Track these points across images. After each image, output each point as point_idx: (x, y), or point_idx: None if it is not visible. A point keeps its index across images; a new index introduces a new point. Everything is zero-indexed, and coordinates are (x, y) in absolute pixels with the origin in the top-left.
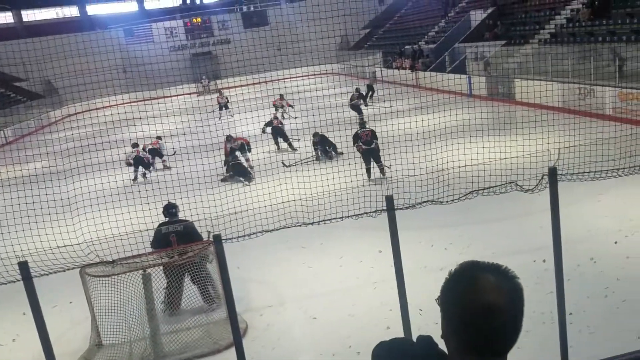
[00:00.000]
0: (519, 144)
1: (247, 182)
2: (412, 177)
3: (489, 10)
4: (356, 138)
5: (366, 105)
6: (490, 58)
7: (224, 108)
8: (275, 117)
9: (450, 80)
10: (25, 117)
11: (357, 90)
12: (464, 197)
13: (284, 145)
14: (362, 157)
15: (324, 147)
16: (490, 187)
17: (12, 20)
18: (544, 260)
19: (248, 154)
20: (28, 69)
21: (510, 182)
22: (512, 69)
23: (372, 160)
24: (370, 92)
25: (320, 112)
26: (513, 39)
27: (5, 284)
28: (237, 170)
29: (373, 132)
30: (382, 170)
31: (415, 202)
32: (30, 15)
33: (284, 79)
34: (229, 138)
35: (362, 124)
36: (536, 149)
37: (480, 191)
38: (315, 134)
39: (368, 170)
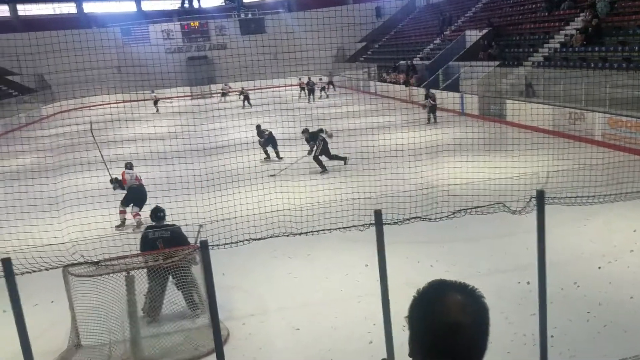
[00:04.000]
0: (509, 165)
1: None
2: (401, 192)
3: (484, 31)
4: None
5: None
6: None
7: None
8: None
9: (443, 97)
10: (16, 111)
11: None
12: (452, 216)
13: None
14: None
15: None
16: (478, 207)
17: (7, 14)
18: (528, 282)
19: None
20: (21, 63)
21: (498, 203)
22: (504, 89)
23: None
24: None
25: (314, 122)
26: (507, 60)
27: None
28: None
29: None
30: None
31: (403, 217)
32: (26, 10)
33: (278, 87)
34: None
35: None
36: (525, 170)
37: (469, 210)
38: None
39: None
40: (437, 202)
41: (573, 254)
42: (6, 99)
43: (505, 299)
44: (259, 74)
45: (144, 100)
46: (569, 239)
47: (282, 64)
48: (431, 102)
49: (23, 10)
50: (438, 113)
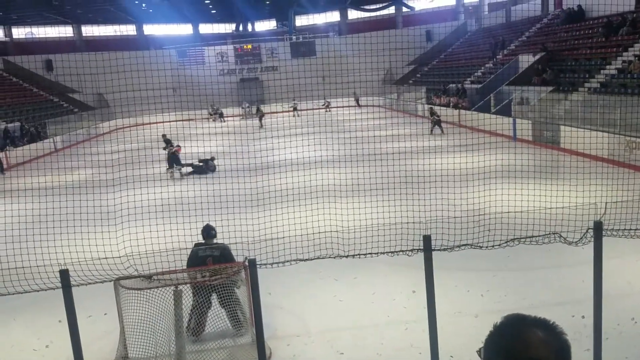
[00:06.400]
0: (564, 193)
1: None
2: (451, 218)
3: (539, 55)
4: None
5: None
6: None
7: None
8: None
9: (494, 122)
10: (76, 127)
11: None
12: (505, 244)
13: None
14: None
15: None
16: (533, 237)
17: (72, 35)
18: (583, 317)
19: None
20: (83, 82)
21: (554, 233)
22: (559, 115)
23: None
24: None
25: (359, 144)
26: (561, 86)
27: (46, 290)
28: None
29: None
30: None
31: (453, 244)
32: (89, 30)
33: (326, 107)
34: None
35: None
36: (581, 200)
37: (523, 239)
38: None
39: None
40: (489, 229)
41: (631, 289)
42: (67, 115)
43: None
44: (308, 96)
45: (197, 119)
46: (627, 273)
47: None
48: (436, 117)
49: (86, 31)
50: (488, 137)
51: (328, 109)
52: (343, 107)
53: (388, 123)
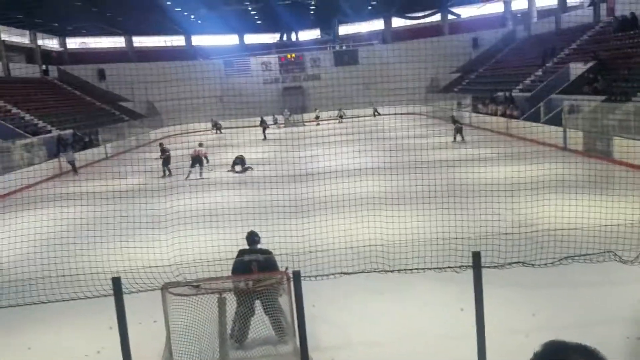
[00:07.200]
0: (619, 209)
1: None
2: (502, 235)
3: (590, 64)
4: None
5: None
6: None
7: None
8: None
9: (543, 131)
10: (126, 134)
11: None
12: (558, 263)
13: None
14: None
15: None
16: (586, 254)
17: (123, 45)
18: (639, 338)
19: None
20: (134, 90)
21: (608, 252)
22: (611, 126)
23: None
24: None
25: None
26: (614, 95)
27: (98, 297)
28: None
29: None
30: None
31: (504, 261)
32: (140, 42)
33: (371, 115)
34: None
35: None
36: (638, 217)
37: (576, 257)
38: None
39: None
40: (541, 246)
41: None
42: (119, 123)
43: (611, 354)
44: (350, 103)
45: (242, 127)
46: None
47: (374, 94)
48: (458, 125)
49: (137, 42)
50: (537, 147)
51: (341, 120)
52: (387, 115)
53: (436, 132)
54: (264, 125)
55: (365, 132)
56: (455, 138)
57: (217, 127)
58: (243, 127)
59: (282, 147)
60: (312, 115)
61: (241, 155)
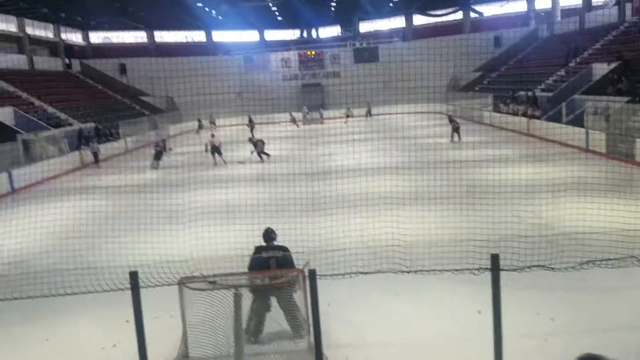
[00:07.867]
0: None
1: None
2: (522, 237)
3: (614, 64)
4: None
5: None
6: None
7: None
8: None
9: (565, 132)
10: (145, 128)
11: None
12: (580, 267)
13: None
14: None
15: None
16: (608, 259)
17: (145, 40)
18: None
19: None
20: (154, 85)
21: (631, 257)
22: (635, 127)
23: None
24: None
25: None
26: (638, 96)
27: (115, 290)
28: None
29: None
30: None
31: (524, 265)
32: (161, 36)
33: (389, 114)
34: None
35: None
36: None
37: (598, 262)
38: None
39: None
40: (561, 249)
41: None
42: (139, 117)
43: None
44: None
45: (260, 123)
46: None
47: (394, 92)
48: (455, 124)
49: (159, 37)
50: (558, 147)
51: (346, 121)
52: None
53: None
54: (293, 119)
55: (383, 130)
56: (452, 138)
57: (211, 122)
58: (260, 123)
59: (299, 144)
60: (334, 113)
61: (262, 140)
